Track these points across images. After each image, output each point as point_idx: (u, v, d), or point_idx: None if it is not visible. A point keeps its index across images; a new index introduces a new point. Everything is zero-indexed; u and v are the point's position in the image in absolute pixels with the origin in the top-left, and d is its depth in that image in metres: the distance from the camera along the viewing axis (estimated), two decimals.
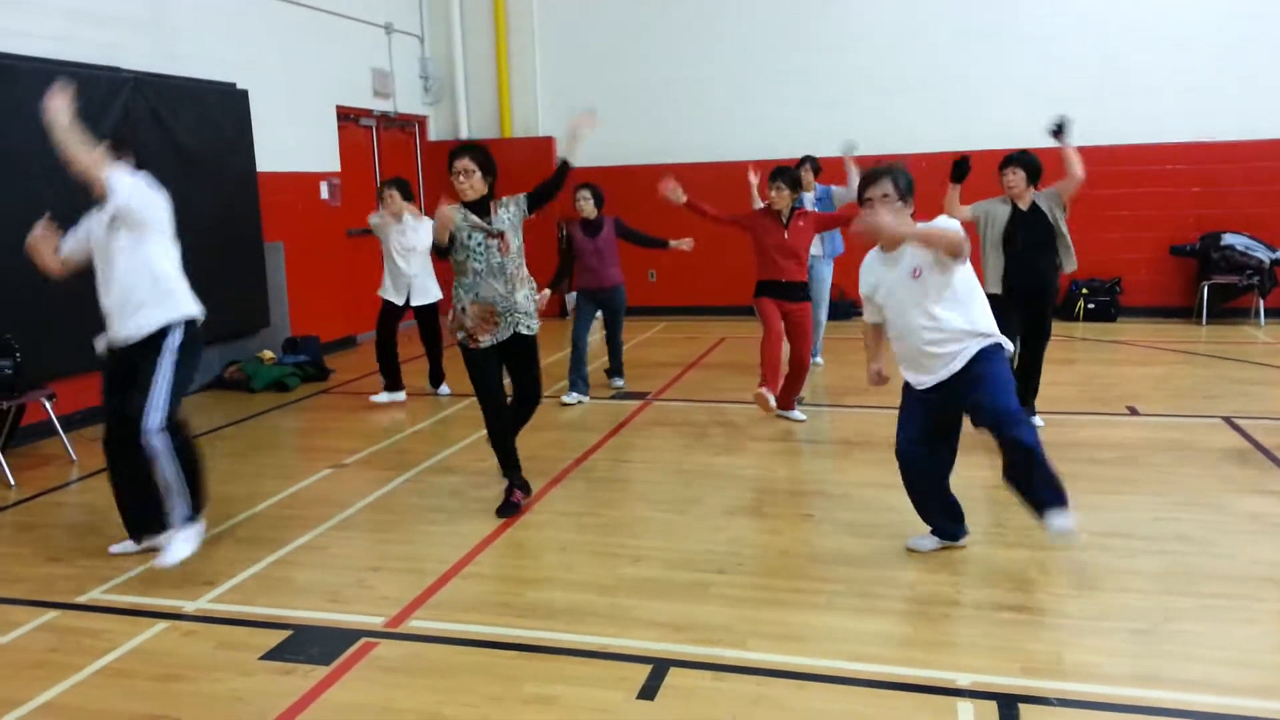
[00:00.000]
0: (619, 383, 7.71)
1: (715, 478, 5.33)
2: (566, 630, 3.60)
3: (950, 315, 3.81)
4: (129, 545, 4.47)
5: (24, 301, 6.25)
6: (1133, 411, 6.57)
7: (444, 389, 7.77)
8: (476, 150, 4.73)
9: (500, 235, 4.72)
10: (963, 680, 3.16)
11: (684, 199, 6.33)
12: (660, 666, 3.29)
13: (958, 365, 3.83)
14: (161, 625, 3.75)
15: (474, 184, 4.68)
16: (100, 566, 4.36)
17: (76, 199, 6.78)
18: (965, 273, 3.83)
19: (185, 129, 7.84)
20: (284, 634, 3.64)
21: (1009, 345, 3.95)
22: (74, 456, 6.12)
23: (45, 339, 6.35)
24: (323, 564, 4.35)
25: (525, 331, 4.79)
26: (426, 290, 7.46)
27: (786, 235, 6.25)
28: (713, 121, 11.38)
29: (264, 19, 9.01)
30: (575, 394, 7.24)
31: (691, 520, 4.72)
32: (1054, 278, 5.97)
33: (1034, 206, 5.93)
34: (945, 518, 4.17)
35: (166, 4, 7.87)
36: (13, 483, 5.60)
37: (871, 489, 5.04)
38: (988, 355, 3.83)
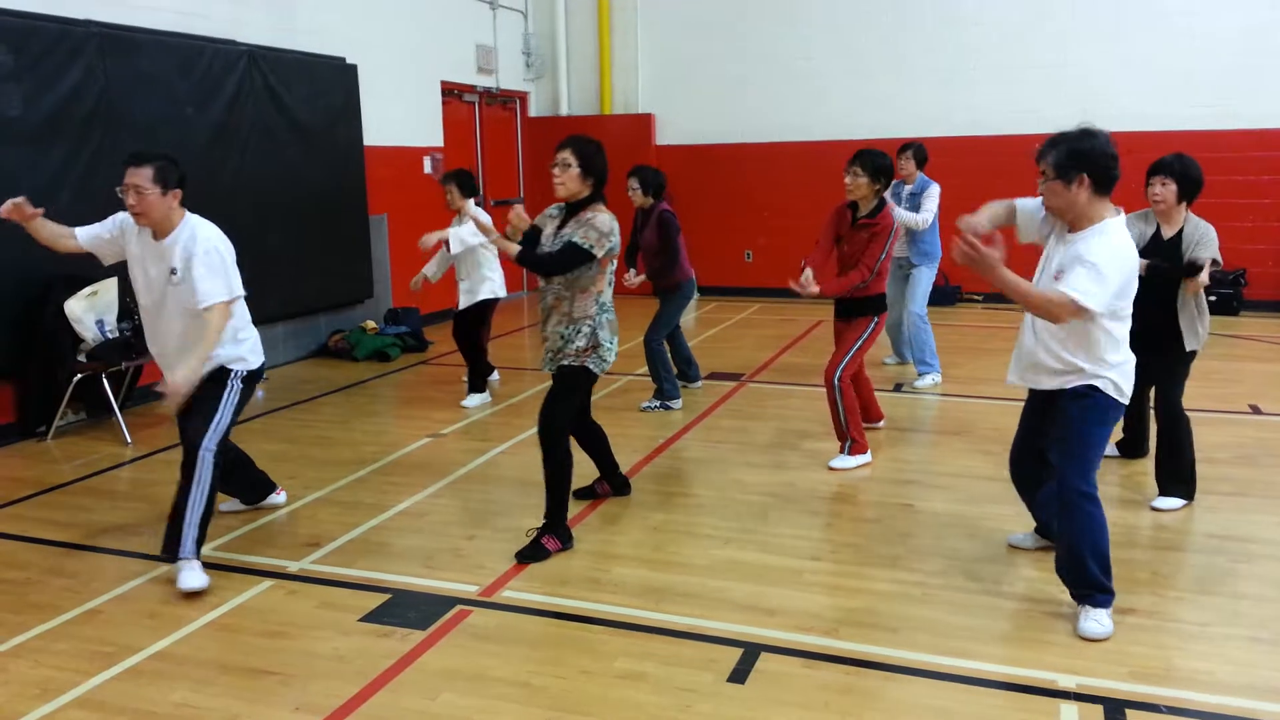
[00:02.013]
0: (651, 404, 6.49)
1: (810, 462, 5.26)
2: (656, 609, 3.60)
3: (1065, 338, 3.35)
4: (235, 504, 4.68)
5: None
6: (1255, 410, 6.24)
7: (471, 399, 6.76)
8: (581, 144, 4.05)
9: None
10: (1066, 682, 3.05)
11: (815, 289, 5.01)
12: (750, 650, 3.27)
13: (1052, 385, 3.44)
14: (267, 583, 3.89)
15: (567, 180, 4.01)
16: (210, 524, 4.52)
17: (200, 167, 7.11)
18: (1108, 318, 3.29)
19: (297, 102, 8.05)
20: (382, 597, 3.73)
21: (1122, 395, 3.37)
22: None
23: None
24: (420, 530, 4.44)
25: (549, 369, 4.18)
26: (472, 291, 6.73)
27: (845, 243, 5.12)
28: (817, 100, 11.17)
29: None
30: (655, 400, 6.48)
31: (784, 504, 4.67)
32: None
33: (1180, 237, 4.41)
34: (1049, 516, 4.02)
35: None
36: (129, 440, 5.86)
37: (973, 480, 4.91)
38: (1082, 397, 3.36)
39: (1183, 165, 4.35)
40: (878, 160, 5.02)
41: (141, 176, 3.87)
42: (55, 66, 6.07)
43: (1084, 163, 3.19)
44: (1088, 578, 3.36)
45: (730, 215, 11.65)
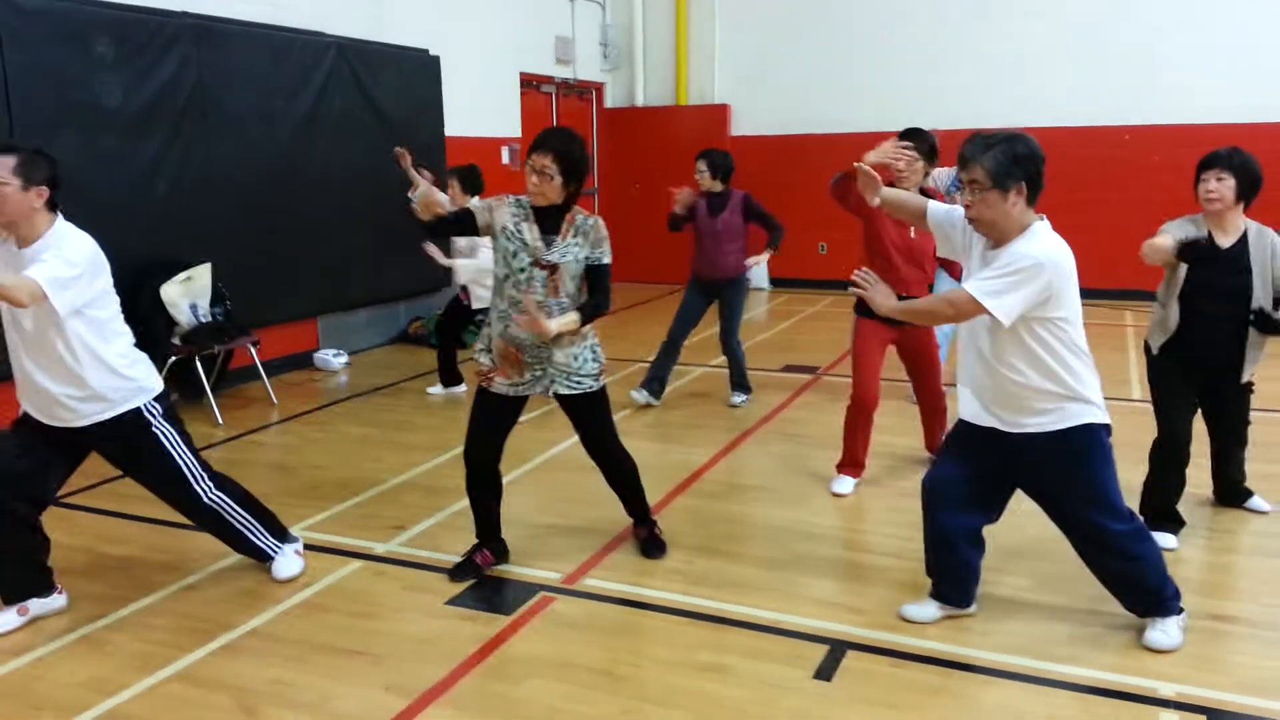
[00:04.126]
0: (738, 399, 6.33)
1: (890, 456, 5.18)
2: (738, 602, 3.59)
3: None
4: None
5: (233, 254, 6.69)
6: None
7: (435, 389, 6.73)
8: (565, 145, 3.47)
9: (553, 269, 3.54)
10: (1166, 690, 2.96)
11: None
12: (836, 647, 3.23)
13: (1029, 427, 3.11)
14: (355, 564, 3.97)
15: (547, 191, 3.48)
16: (298, 505, 4.64)
17: (289, 157, 7.28)
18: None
19: (383, 93, 8.17)
20: (467, 581, 3.78)
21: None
22: (275, 399, 6.54)
23: (251, 289, 6.78)
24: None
25: (566, 390, 3.70)
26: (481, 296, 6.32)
27: (913, 231, 4.56)
28: (896, 90, 10.95)
29: None
30: (645, 393, 6.23)
31: (865, 499, 4.62)
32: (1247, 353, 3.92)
33: (1243, 243, 3.81)
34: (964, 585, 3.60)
35: None
36: (220, 421, 6.03)
37: None
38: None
39: (1242, 159, 3.73)
40: (932, 138, 4.57)
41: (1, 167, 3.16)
42: (152, 57, 6.25)
43: (1022, 169, 2.89)
44: (1161, 598, 3.21)
45: (804, 207, 11.44)
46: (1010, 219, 2.93)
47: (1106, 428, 3.11)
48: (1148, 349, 4.06)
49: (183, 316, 6.04)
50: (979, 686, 3.03)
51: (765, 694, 2.98)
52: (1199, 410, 4.06)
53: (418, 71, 8.67)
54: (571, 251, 3.56)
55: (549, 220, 3.56)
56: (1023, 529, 4.19)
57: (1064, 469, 3.09)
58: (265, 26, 7.11)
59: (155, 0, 6.32)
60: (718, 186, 6.13)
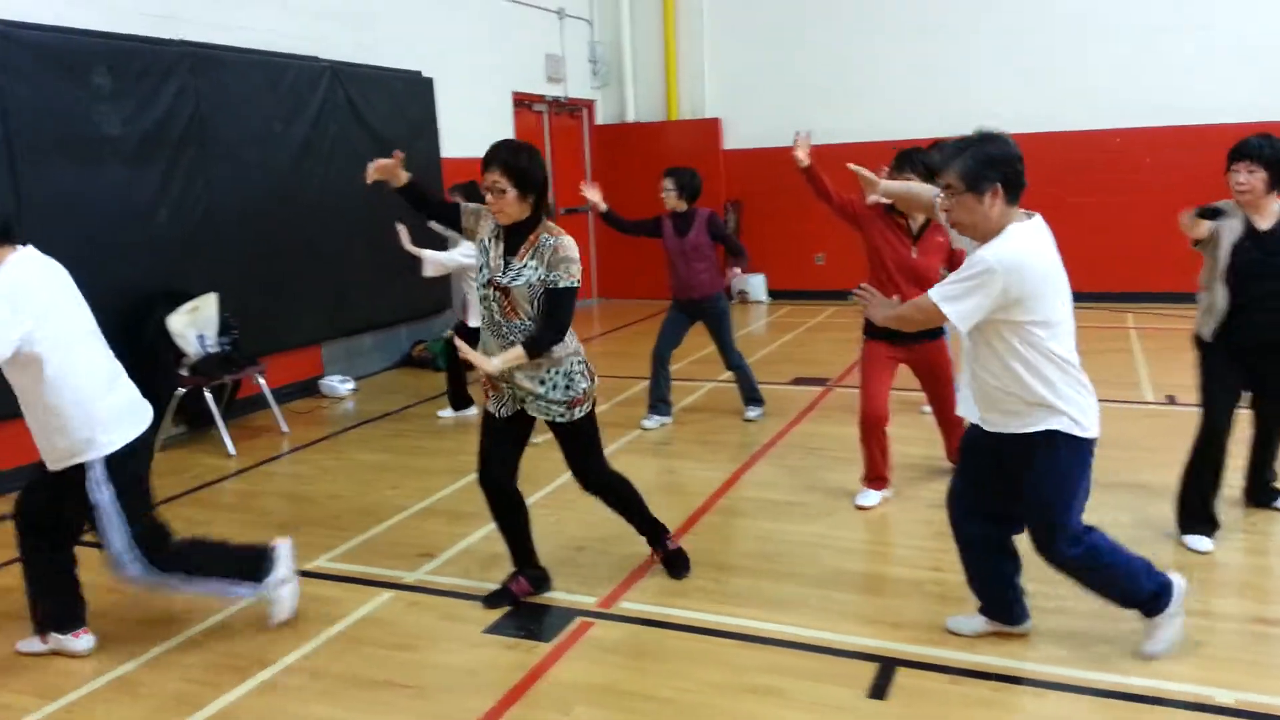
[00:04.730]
0: (752, 413, 6.30)
1: (913, 469, 5.16)
2: (780, 620, 3.55)
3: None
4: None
5: (235, 282, 6.62)
6: None
7: (445, 413, 6.73)
8: (510, 156, 3.33)
9: (504, 291, 3.40)
10: (1223, 697, 2.94)
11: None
12: (887, 665, 3.20)
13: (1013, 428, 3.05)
14: (386, 595, 3.91)
15: (505, 207, 3.35)
16: (322, 535, 4.58)
17: (288, 182, 7.23)
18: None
19: (377, 116, 8.14)
20: (502, 609, 3.72)
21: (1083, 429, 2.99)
22: (285, 428, 6.47)
23: (254, 317, 6.72)
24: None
25: (535, 414, 3.58)
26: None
27: (915, 252, 4.51)
28: (887, 100, 11.02)
29: (448, 8, 9.25)
30: (656, 417, 6.21)
31: (893, 512, 4.60)
32: None
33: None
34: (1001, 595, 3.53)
35: None
36: (232, 451, 5.95)
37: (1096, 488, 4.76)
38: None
39: (1273, 149, 3.74)
40: (931, 159, 4.35)
41: None
42: (150, 86, 6.20)
43: (996, 170, 2.84)
44: (1133, 605, 3.17)
45: (800, 218, 11.51)
46: (989, 221, 2.89)
47: (1078, 440, 2.97)
48: (1199, 340, 4.06)
49: (190, 347, 5.98)
50: (1034, 699, 3.00)
51: (821, 715, 2.94)
52: (1239, 403, 4.07)
53: (411, 94, 8.64)
54: (525, 275, 3.38)
55: (513, 239, 3.43)
56: None
57: (1022, 471, 3.03)
58: (260, 53, 7.08)
59: (151, 29, 6.28)
60: (683, 206, 6.02)
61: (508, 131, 10.30)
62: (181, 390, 5.95)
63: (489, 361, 3.36)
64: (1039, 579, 3.78)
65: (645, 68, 12.12)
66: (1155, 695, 2.98)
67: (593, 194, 5.89)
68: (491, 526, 4.56)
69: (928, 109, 10.62)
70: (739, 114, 11.81)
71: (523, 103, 10.74)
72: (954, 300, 2.87)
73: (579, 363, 3.54)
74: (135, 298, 5.99)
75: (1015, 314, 2.86)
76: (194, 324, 6.02)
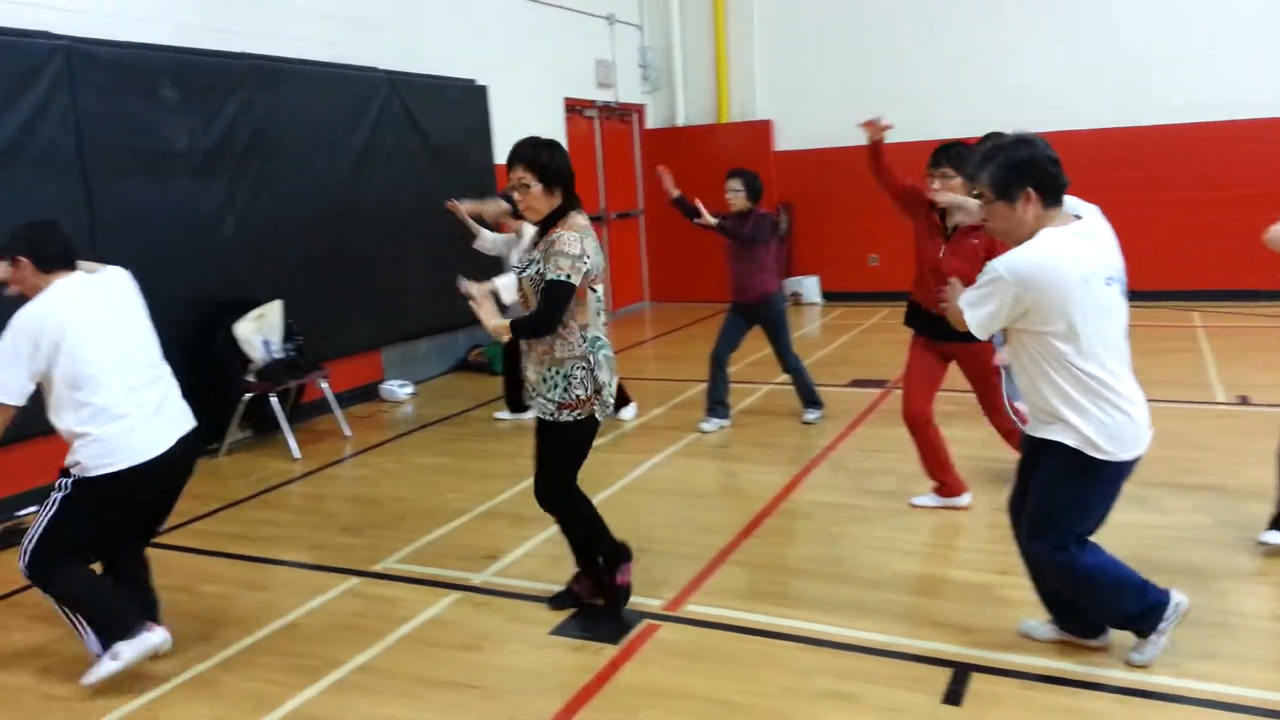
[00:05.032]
0: (811, 416, 6.26)
1: (977, 470, 5.08)
2: (848, 625, 3.52)
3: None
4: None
5: (300, 291, 6.74)
6: None
7: (502, 414, 6.80)
8: (532, 153, 3.38)
9: (520, 283, 3.50)
10: None
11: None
12: (960, 671, 3.15)
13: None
14: (453, 596, 3.94)
15: (531, 202, 3.41)
16: (388, 537, 4.63)
17: (347, 191, 7.34)
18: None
19: (433, 124, 8.24)
20: (568, 610, 3.74)
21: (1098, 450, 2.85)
22: (348, 432, 6.57)
23: (316, 323, 6.83)
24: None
25: (537, 412, 3.54)
26: None
27: (943, 252, 4.36)
28: (941, 100, 10.88)
29: (501, 16, 9.34)
30: (714, 420, 6.19)
31: (960, 515, 4.53)
32: None
33: None
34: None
35: (418, 6, 8.27)
36: (297, 455, 6.06)
37: (1166, 491, 4.66)
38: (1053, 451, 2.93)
39: None
40: (965, 153, 4.09)
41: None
42: (217, 100, 6.34)
43: (1027, 174, 2.75)
44: (1119, 624, 3.11)
45: (853, 220, 11.45)
46: (1024, 226, 2.80)
47: (1090, 459, 2.85)
48: None
49: (256, 354, 6.09)
50: (1114, 706, 2.93)
51: None
52: None
53: (466, 102, 8.73)
54: (531, 267, 3.44)
55: (540, 235, 3.49)
56: (1132, 539, 4.08)
57: (1035, 473, 3.01)
58: (320, 64, 7.20)
59: (218, 43, 6.42)
60: (748, 207, 6.01)
61: (559, 137, 10.35)
62: (248, 395, 6.06)
63: (493, 314, 3.44)
64: None
65: (695, 71, 12.12)
66: (1256, 705, 2.89)
67: (666, 180, 6.06)
68: (552, 529, 4.60)
69: (984, 108, 10.43)
70: (790, 116, 11.75)
71: (574, 108, 10.80)
72: (972, 306, 2.87)
73: (582, 369, 3.42)
74: (204, 306, 6.13)
75: (1032, 323, 2.80)
76: (260, 330, 6.14)
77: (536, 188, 3.36)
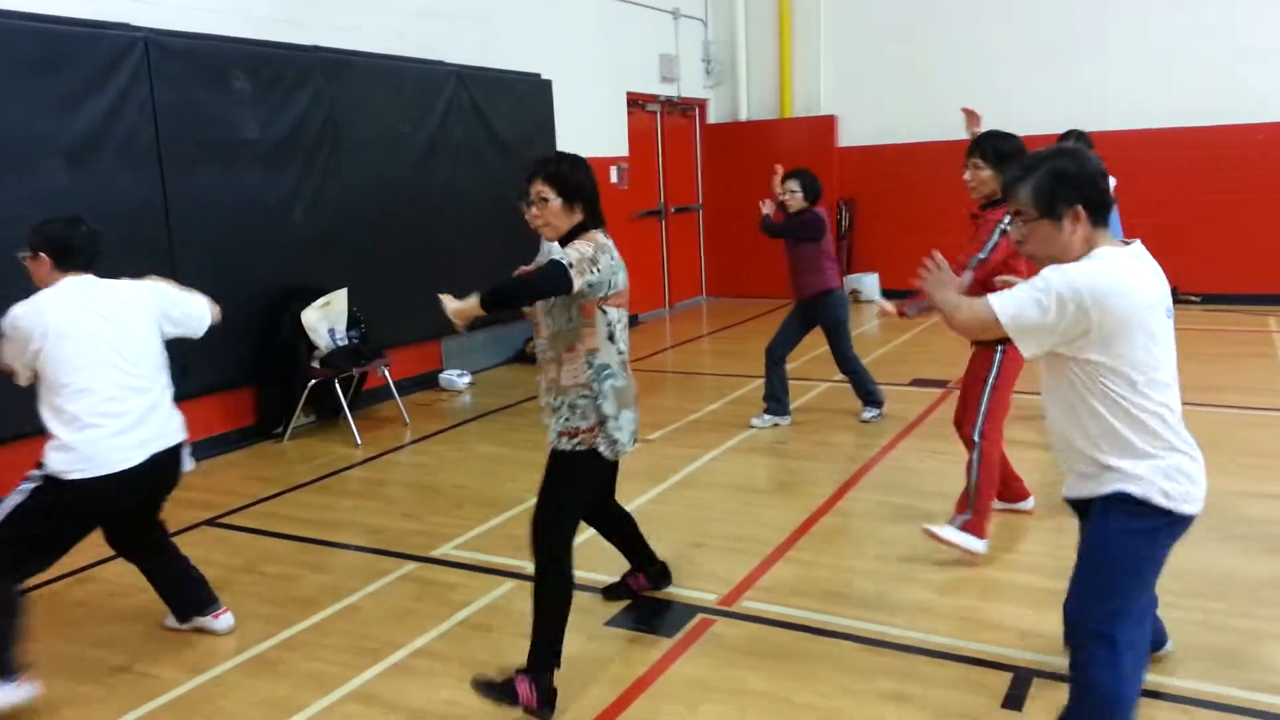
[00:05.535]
0: (868, 415, 6.20)
1: (1038, 473, 4.98)
2: (907, 626, 3.48)
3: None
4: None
5: (363, 278, 6.85)
6: None
7: None
8: (553, 166, 3.12)
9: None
10: None
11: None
12: (1021, 675, 3.10)
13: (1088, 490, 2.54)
14: (509, 584, 3.98)
15: (549, 218, 3.13)
16: (446, 524, 4.69)
17: (414, 183, 7.44)
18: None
19: (500, 118, 8.30)
20: (623, 602, 3.75)
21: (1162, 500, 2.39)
22: (407, 419, 6.66)
23: (379, 312, 6.93)
24: (648, 536, 4.40)
25: (552, 443, 3.24)
26: None
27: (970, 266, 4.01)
28: (1010, 95, 10.63)
29: (565, 10, 9.37)
30: (767, 416, 6.17)
31: (1024, 519, 4.45)
32: None
33: None
34: None
35: (486, 0, 8.34)
36: (359, 441, 6.16)
37: (1228, 496, 4.53)
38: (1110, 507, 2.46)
39: None
40: (1002, 144, 4.00)
41: None
42: (286, 91, 6.47)
43: (1076, 189, 2.36)
44: None
45: (916, 215, 11.27)
46: (1070, 251, 2.38)
47: (1156, 514, 2.39)
48: None
49: (322, 341, 6.21)
50: (1175, 714, 2.86)
51: None
52: None
53: (531, 95, 8.78)
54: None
55: None
56: (1195, 549, 3.97)
57: (1082, 544, 2.57)
58: (389, 58, 7.30)
59: (289, 35, 6.54)
60: (805, 206, 6.02)
61: (622, 131, 10.38)
62: (312, 381, 6.18)
63: (453, 300, 3.13)
64: (1184, 591, 3.61)
65: (759, 66, 12.04)
66: None
67: (766, 207, 6.08)
68: None
69: (1055, 103, 10.22)
70: (854, 111, 11.62)
71: (636, 103, 10.80)
72: (1014, 312, 2.35)
73: (584, 397, 3.12)
74: (273, 293, 6.26)
75: (1089, 349, 2.33)
76: (326, 318, 6.25)
77: (556, 202, 3.09)
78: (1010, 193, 2.45)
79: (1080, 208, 2.36)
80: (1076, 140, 5.54)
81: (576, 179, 3.11)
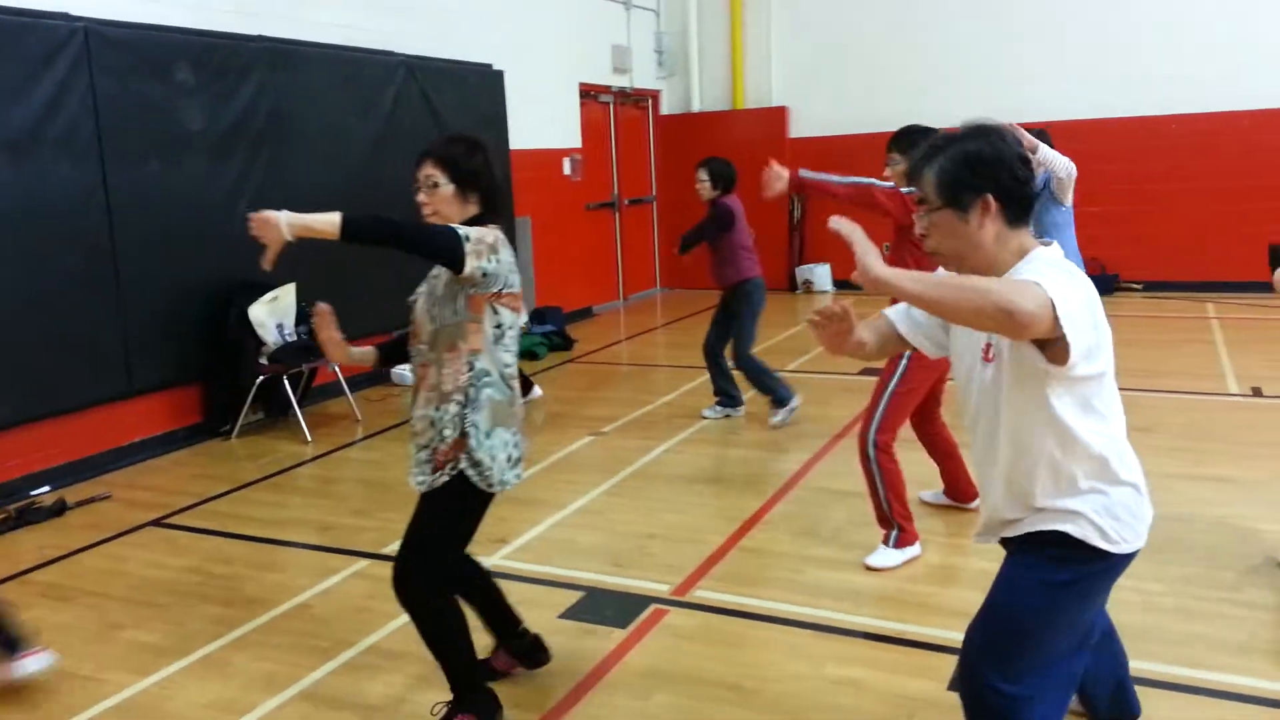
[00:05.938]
0: (776, 419, 5.91)
1: None
2: (856, 612, 3.52)
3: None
4: None
5: (313, 274, 6.74)
6: None
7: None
8: (446, 149, 2.78)
9: (412, 303, 2.91)
10: None
11: (780, 189, 4.77)
12: None
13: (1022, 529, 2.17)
14: None
15: (437, 204, 2.77)
16: (397, 521, 4.57)
17: (362, 176, 7.35)
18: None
19: (449, 109, 8.23)
20: (577, 594, 3.76)
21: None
22: (359, 416, 6.60)
23: (331, 306, 6.82)
24: (601, 528, 4.46)
25: (415, 476, 2.95)
26: None
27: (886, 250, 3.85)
28: (960, 86, 10.80)
29: (517, 2, 9.30)
30: (718, 408, 6.21)
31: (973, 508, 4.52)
32: None
33: None
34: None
35: None
36: (309, 438, 6.09)
37: (1167, 479, 4.64)
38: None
39: None
40: (917, 136, 4.02)
41: None
42: (231, 82, 6.35)
43: (985, 176, 1.98)
44: None
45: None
46: (979, 249, 2.01)
47: (1092, 558, 2.08)
48: None
49: (270, 336, 6.12)
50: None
51: (902, 708, 2.91)
52: None
53: (483, 87, 8.72)
54: (424, 286, 2.88)
55: None
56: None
57: (996, 583, 2.27)
58: (336, 48, 7.20)
59: (234, 25, 6.42)
60: (716, 195, 5.98)
61: (573, 122, 10.35)
62: (261, 378, 6.09)
63: (280, 221, 2.60)
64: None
65: (711, 57, 12.07)
66: (1244, 693, 2.89)
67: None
68: (563, 514, 4.63)
69: (1005, 94, 10.39)
70: (805, 102, 11.71)
71: (589, 94, 10.77)
72: (1062, 297, 1.82)
73: (456, 404, 2.74)
74: (219, 287, 6.15)
75: (1086, 365, 1.95)
76: (274, 313, 6.17)
77: (447, 189, 2.73)
78: (914, 178, 2.07)
79: (990, 197, 1.98)
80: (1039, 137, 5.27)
81: (472, 164, 2.73)
